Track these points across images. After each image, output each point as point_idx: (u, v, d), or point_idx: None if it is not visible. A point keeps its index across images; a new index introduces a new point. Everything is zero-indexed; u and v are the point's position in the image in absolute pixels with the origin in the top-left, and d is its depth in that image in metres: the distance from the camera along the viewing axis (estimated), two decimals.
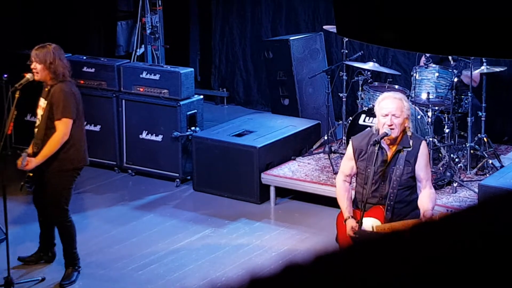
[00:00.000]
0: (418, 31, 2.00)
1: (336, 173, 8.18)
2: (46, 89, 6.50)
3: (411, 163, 5.78)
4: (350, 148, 5.98)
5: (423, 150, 5.83)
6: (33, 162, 6.37)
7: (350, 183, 6.01)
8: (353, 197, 6.01)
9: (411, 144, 5.80)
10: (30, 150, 6.52)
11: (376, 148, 5.70)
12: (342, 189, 5.93)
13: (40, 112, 6.54)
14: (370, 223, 5.75)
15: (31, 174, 6.45)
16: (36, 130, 6.56)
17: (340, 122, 9.03)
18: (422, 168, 5.81)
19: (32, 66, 6.44)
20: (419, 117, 7.74)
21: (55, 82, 6.44)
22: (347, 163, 5.97)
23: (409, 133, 5.84)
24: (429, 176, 5.90)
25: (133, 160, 9.08)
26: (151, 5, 10.84)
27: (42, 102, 6.53)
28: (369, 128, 6.09)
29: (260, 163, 8.23)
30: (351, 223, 5.71)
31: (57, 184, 6.48)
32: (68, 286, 6.60)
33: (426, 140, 6.14)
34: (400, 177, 5.76)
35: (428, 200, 5.74)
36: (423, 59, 8.32)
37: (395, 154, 5.81)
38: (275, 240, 7.45)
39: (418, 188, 5.85)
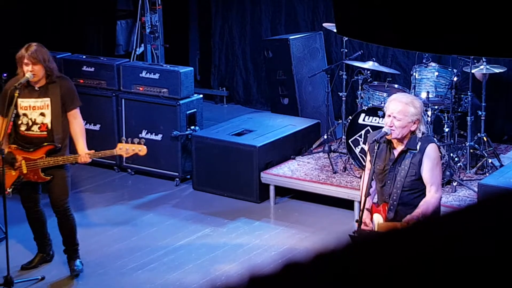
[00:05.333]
0: (418, 30, 2.00)
1: (335, 172, 8.21)
2: (37, 87, 6.44)
3: (416, 165, 5.71)
4: (366, 144, 6.06)
5: (429, 153, 5.71)
6: (88, 153, 6.45)
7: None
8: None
9: (418, 146, 5.73)
10: (7, 148, 6.48)
11: (376, 147, 5.73)
12: (362, 182, 6.04)
13: (29, 112, 6.44)
14: (376, 220, 5.80)
15: (22, 176, 6.51)
16: (37, 130, 6.50)
17: (340, 121, 9.02)
18: (427, 171, 5.69)
19: (29, 69, 6.33)
20: None
21: (50, 80, 6.42)
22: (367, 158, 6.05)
23: (419, 135, 5.76)
24: (434, 180, 5.72)
25: (133, 159, 9.07)
26: (151, 4, 10.84)
27: (39, 102, 6.46)
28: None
29: (260, 162, 8.23)
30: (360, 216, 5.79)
31: (63, 173, 6.54)
32: (80, 274, 6.66)
33: (435, 143, 5.93)
34: (404, 179, 5.73)
35: (420, 206, 5.64)
36: None
37: (401, 155, 5.80)
38: (275, 239, 7.45)
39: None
